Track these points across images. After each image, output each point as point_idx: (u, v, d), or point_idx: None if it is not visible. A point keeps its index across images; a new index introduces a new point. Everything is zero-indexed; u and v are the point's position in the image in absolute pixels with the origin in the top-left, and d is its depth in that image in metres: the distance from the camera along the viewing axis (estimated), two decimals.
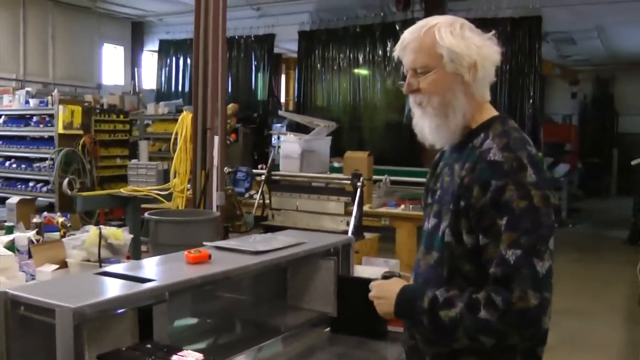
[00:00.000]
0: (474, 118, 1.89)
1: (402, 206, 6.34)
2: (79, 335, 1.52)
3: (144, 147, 9.04)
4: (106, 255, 3.19)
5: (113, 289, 1.74)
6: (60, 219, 3.86)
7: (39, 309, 1.56)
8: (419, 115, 1.92)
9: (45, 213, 5.14)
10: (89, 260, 3.21)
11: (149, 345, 1.60)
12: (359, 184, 5.34)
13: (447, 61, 1.82)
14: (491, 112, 1.92)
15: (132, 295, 1.66)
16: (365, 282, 2.07)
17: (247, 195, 6.91)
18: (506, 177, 1.72)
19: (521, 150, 1.77)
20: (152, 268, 2.04)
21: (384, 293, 1.91)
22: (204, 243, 2.27)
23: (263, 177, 5.76)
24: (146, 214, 5.04)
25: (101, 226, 3.27)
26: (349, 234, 5.23)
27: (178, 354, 1.53)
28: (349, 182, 5.43)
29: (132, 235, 3.37)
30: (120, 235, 3.26)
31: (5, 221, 7.97)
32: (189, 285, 1.82)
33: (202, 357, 1.52)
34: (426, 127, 1.90)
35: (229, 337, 2.35)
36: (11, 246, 3.52)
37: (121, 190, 6.67)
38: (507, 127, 1.86)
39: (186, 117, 6.17)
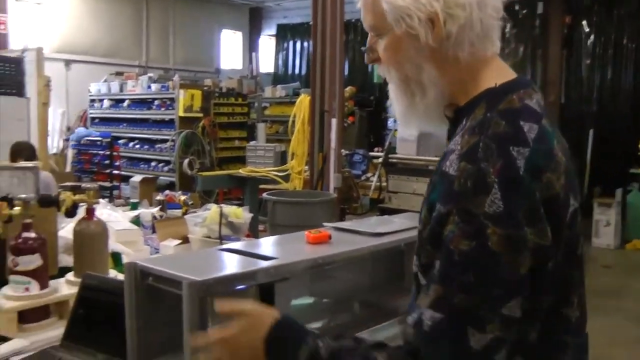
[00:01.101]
0: (464, 90, 1.27)
1: None
2: (204, 307, 1.55)
3: (261, 129, 9.20)
4: (226, 233, 3.24)
5: (236, 265, 1.75)
6: (182, 197, 3.97)
7: (166, 280, 1.58)
8: (390, 92, 1.38)
9: (166, 191, 5.33)
10: (209, 237, 3.28)
11: None
12: None
13: (391, 20, 1.25)
14: (493, 77, 1.25)
15: (255, 272, 1.66)
16: None
17: (363, 177, 6.92)
18: (452, 202, 1.11)
19: (494, 158, 1.09)
20: (273, 246, 2.05)
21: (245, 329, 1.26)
22: (324, 224, 2.26)
23: (380, 160, 5.72)
24: (264, 195, 5.12)
25: (222, 205, 3.33)
26: None
27: None
28: None
29: (251, 215, 3.41)
30: (240, 214, 3.31)
31: (129, 198, 8.37)
32: (310, 265, 1.80)
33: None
34: (396, 109, 1.38)
35: (345, 317, 2.33)
36: (136, 221, 3.65)
37: (240, 170, 6.80)
38: (495, 112, 1.17)
39: (304, 100, 6.22)
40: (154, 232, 3.62)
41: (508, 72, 1.28)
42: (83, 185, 2.42)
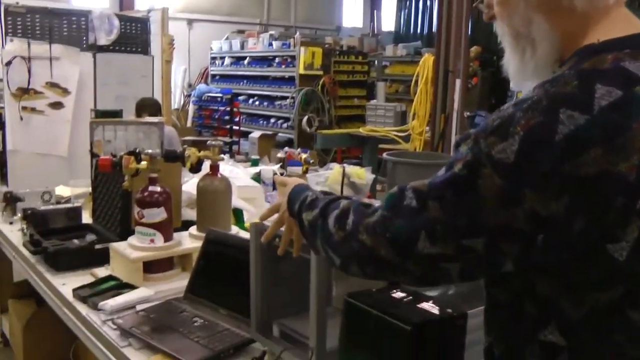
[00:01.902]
0: (575, 44, 1.09)
1: None
2: (330, 272, 1.50)
3: (381, 88, 9.05)
4: (347, 194, 3.19)
5: None
6: (304, 156, 3.93)
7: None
8: (505, 51, 1.24)
9: (286, 148, 5.34)
10: None
11: (396, 290, 1.52)
12: None
13: None
14: (608, 31, 1.06)
15: None
16: None
17: None
18: (476, 130, 1.04)
19: (535, 114, 0.95)
20: None
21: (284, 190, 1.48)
22: None
23: None
24: (384, 155, 5.03)
25: (344, 164, 3.27)
26: None
27: (423, 303, 1.42)
28: None
29: (374, 175, 3.33)
30: (363, 174, 3.24)
31: (248, 153, 8.49)
32: None
33: (448, 311, 1.40)
34: (508, 68, 1.24)
35: (465, 286, 2.22)
36: (257, 178, 3.66)
37: (360, 129, 6.73)
38: (576, 70, 1.00)
39: (428, 59, 6.04)
40: (274, 189, 3.61)
41: (630, 26, 1.07)
42: (209, 142, 2.39)
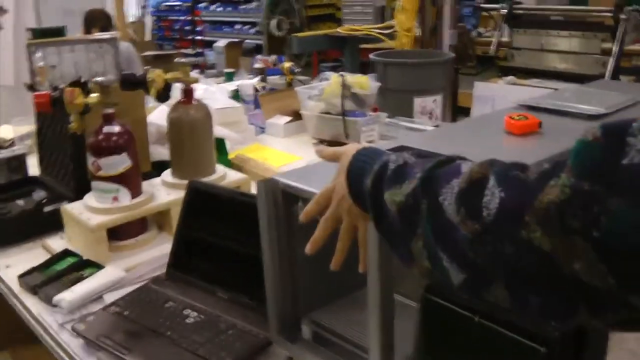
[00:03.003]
0: None
1: None
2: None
3: None
4: (349, 108, 2.64)
5: None
6: (287, 65, 3.35)
7: None
8: None
9: (258, 56, 4.74)
10: (328, 113, 2.68)
11: None
12: (622, 16, 4.36)
13: None
14: None
15: None
16: None
17: (474, 33, 6.14)
18: None
19: None
20: (463, 142, 1.38)
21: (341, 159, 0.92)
22: (519, 104, 1.60)
23: (503, 12, 4.89)
24: (372, 56, 4.47)
25: (343, 73, 2.70)
26: (607, 78, 4.35)
27: None
28: (610, 14, 4.46)
29: (379, 84, 2.77)
30: (366, 83, 2.68)
31: (214, 65, 7.82)
32: None
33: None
34: None
35: None
36: (236, 95, 3.08)
37: (338, 29, 6.09)
38: None
39: None
40: (256, 107, 3.05)
41: None
42: (177, 59, 1.79)
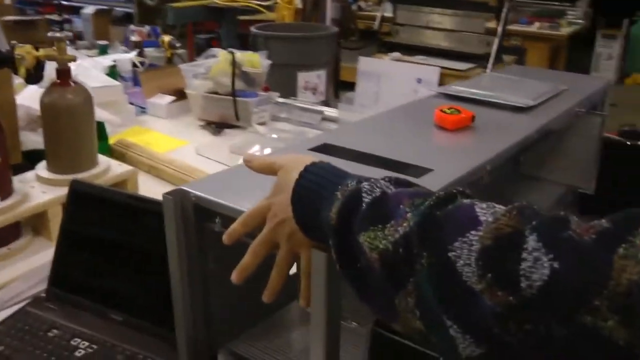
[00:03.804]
0: None
1: (537, 24, 5.54)
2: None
3: None
4: (239, 87, 2.45)
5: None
6: (167, 38, 3.09)
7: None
8: None
9: (131, 27, 4.43)
10: (216, 93, 2.48)
11: None
12: None
13: None
14: None
15: None
16: None
17: (354, 6, 6.05)
18: None
19: None
20: (392, 141, 1.23)
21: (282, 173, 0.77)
22: (439, 91, 1.48)
23: None
24: (253, 29, 4.29)
25: (233, 50, 2.50)
26: (492, 57, 4.38)
27: None
28: None
29: (270, 62, 2.59)
30: (257, 61, 2.50)
31: (82, 33, 7.33)
32: (475, 174, 1.05)
33: None
34: None
35: None
36: (112, 72, 2.81)
37: (216, 0, 5.82)
38: None
39: None
40: (135, 84, 2.80)
41: None
42: (50, 33, 1.54)
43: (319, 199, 0.67)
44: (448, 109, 1.23)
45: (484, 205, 0.54)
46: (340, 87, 5.01)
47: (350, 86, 4.99)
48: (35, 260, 1.42)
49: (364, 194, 0.62)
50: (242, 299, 1.03)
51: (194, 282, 0.96)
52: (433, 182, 0.94)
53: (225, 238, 0.80)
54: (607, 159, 1.69)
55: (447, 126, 1.21)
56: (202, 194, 0.91)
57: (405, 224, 0.56)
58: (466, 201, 0.55)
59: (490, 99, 1.40)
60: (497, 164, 1.11)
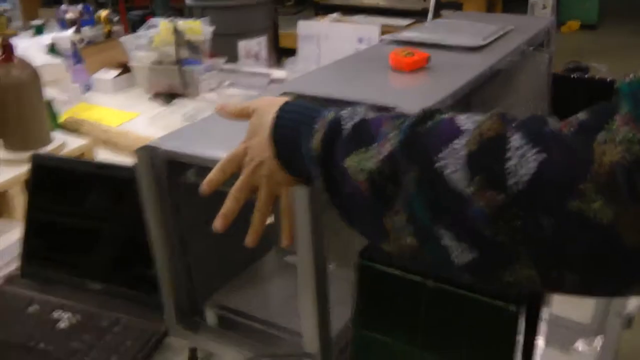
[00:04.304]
0: None
1: None
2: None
3: None
4: (183, 56, 2.43)
5: None
6: (104, 13, 3.03)
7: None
8: None
9: (64, 6, 4.32)
10: (160, 63, 2.46)
11: None
12: None
13: None
14: None
15: None
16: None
17: None
18: None
19: None
20: (354, 82, 1.24)
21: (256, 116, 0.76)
22: (384, 37, 1.50)
23: None
24: (188, 0, 4.25)
25: (173, 18, 2.47)
26: (430, 11, 4.42)
27: None
28: None
29: (212, 28, 2.57)
30: (198, 29, 2.48)
31: (6, 10, 7.08)
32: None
33: None
34: None
35: None
36: (51, 50, 2.74)
37: None
38: None
39: None
40: (77, 62, 2.74)
41: None
42: None
43: (299, 134, 0.68)
44: (403, 52, 1.25)
45: (464, 116, 0.56)
46: (282, 53, 5.00)
47: (291, 52, 4.97)
48: (2, 241, 1.40)
49: (343, 122, 0.64)
50: (220, 252, 1.05)
51: (173, 238, 0.96)
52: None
53: (203, 187, 0.80)
54: (556, 94, 1.74)
55: (403, 68, 1.23)
56: (174, 149, 0.91)
57: (388, 145, 0.57)
58: (445, 115, 0.57)
59: (440, 42, 1.42)
60: (457, 98, 1.13)
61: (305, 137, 0.67)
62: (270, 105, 0.74)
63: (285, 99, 0.76)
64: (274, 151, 0.72)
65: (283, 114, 0.72)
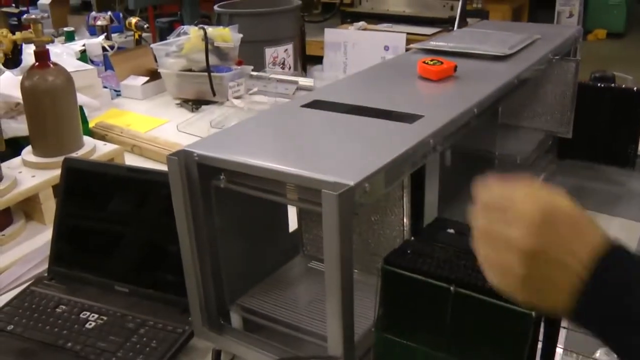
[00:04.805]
0: None
1: None
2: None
3: None
4: (212, 63, 2.45)
5: (379, 140, 0.98)
6: (134, 20, 3.07)
7: (267, 181, 0.86)
8: None
9: (93, 13, 4.40)
10: (190, 70, 2.49)
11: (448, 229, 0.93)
12: None
13: None
14: None
15: (416, 148, 0.93)
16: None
17: None
18: None
19: None
20: (384, 90, 1.24)
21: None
22: (412, 45, 1.51)
23: None
24: (216, 7, 4.27)
25: (203, 25, 2.50)
26: (457, 19, 4.41)
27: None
28: None
29: (241, 35, 2.60)
30: (228, 35, 2.50)
31: (43, 17, 7.19)
32: (464, 118, 1.08)
33: None
34: None
35: None
36: (82, 56, 2.79)
37: None
38: None
39: None
40: (108, 68, 2.79)
41: None
42: (25, 16, 1.54)
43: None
44: (430, 61, 1.26)
45: None
46: (308, 60, 5.02)
47: (317, 60, 4.99)
48: (31, 244, 1.43)
49: None
50: (247, 256, 1.06)
51: (202, 241, 0.98)
52: (425, 127, 0.97)
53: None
54: (581, 103, 1.74)
55: (431, 77, 1.23)
56: (206, 153, 0.92)
57: None
58: None
59: (468, 50, 1.43)
60: (483, 107, 1.14)
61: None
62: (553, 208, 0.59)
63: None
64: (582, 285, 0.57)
65: (614, 250, 0.58)
